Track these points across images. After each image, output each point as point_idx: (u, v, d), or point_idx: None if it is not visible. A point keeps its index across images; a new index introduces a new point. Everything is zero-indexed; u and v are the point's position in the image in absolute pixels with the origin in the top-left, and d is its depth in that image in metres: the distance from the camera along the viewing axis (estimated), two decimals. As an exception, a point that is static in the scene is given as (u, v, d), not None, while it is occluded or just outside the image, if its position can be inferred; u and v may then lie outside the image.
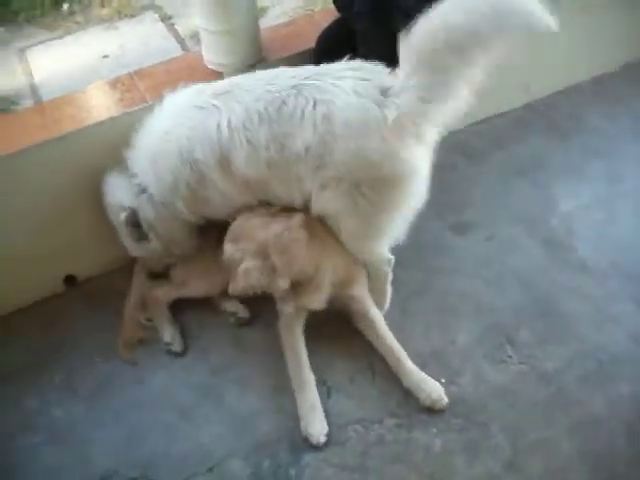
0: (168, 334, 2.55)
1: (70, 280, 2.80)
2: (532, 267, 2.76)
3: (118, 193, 2.40)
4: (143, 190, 2.36)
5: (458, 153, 3.22)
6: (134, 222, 2.40)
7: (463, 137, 3.28)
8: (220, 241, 2.33)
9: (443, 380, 2.40)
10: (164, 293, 2.62)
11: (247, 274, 2.15)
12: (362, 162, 2.07)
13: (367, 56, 2.19)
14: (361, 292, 2.46)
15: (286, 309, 2.39)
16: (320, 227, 2.31)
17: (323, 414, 2.30)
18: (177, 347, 2.54)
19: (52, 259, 2.67)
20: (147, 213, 2.38)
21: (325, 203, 2.20)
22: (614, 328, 2.53)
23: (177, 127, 2.24)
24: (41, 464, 2.28)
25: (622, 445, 2.21)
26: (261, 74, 2.27)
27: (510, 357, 2.47)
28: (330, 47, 2.50)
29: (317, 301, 2.37)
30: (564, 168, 3.17)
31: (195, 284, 2.60)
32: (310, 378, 2.35)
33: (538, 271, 2.75)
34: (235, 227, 2.29)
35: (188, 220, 2.41)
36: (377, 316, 2.46)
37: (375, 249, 2.38)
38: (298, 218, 2.22)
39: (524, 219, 2.94)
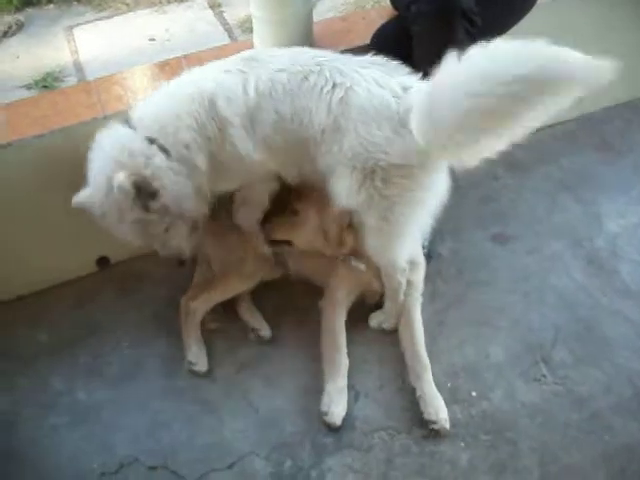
0: (192, 353, 2.45)
1: (103, 262, 2.79)
2: (573, 286, 2.69)
3: (117, 148, 2.08)
4: (161, 148, 2.12)
5: (501, 164, 3.15)
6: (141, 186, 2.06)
7: (508, 148, 3.21)
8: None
9: (474, 394, 2.36)
10: (201, 302, 2.52)
11: None
12: (372, 149, 2.02)
13: (422, 59, 2.14)
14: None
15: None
16: None
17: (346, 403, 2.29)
18: (201, 367, 2.44)
19: (87, 239, 2.64)
20: (160, 172, 2.10)
21: (345, 197, 2.13)
22: (655, 356, 2.45)
23: (204, 85, 2.14)
24: (62, 446, 2.27)
25: (656, 477, 2.14)
26: (285, 49, 2.23)
27: (544, 376, 2.41)
28: (386, 46, 2.44)
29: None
30: (612, 186, 3.09)
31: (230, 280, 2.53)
32: (345, 361, 2.36)
33: (579, 290, 2.67)
34: None
35: (200, 185, 2.22)
36: (417, 317, 2.45)
37: (393, 253, 2.31)
38: None
39: (567, 236, 2.87)
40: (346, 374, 2.34)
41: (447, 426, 2.25)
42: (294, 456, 2.22)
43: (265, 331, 2.53)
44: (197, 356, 2.44)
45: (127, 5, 4.20)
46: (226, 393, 2.38)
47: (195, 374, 2.43)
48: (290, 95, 2.08)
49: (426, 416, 2.26)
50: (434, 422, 2.25)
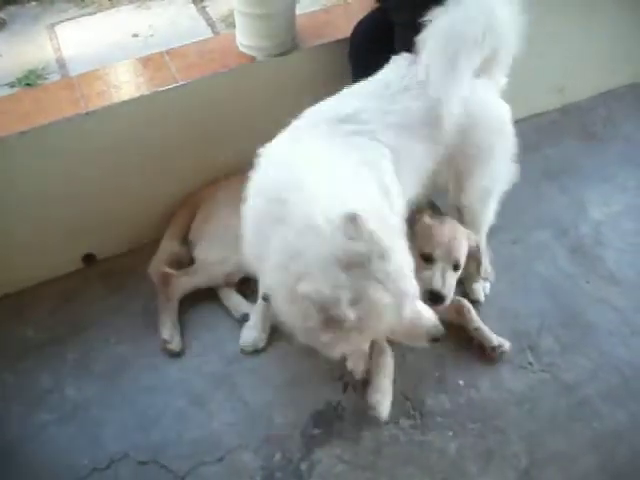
0: (167, 331, 2.46)
1: (89, 258, 2.77)
2: (558, 274, 2.71)
3: None
4: None
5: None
6: None
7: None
8: None
9: (461, 382, 2.38)
10: (185, 282, 2.56)
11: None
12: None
13: (403, 49, 2.14)
14: None
15: None
16: None
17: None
18: (175, 346, 2.45)
19: (73, 236, 2.65)
20: None
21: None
22: (640, 342, 2.47)
23: None
24: (51, 442, 2.26)
25: (643, 462, 2.16)
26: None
27: (531, 364, 2.43)
28: (367, 39, 2.45)
29: None
30: (596, 175, 3.12)
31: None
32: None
33: (564, 279, 2.69)
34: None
35: None
36: None
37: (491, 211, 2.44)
38: None
39: (552, 225, 2.89)
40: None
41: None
42: (283, 448, 2.22)
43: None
44: (172, 334, 2.45)
45: (110, 1, 4.17)
46: (215, 387, 2.38)
47: (169, 353, 2.43)
48: None
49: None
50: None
